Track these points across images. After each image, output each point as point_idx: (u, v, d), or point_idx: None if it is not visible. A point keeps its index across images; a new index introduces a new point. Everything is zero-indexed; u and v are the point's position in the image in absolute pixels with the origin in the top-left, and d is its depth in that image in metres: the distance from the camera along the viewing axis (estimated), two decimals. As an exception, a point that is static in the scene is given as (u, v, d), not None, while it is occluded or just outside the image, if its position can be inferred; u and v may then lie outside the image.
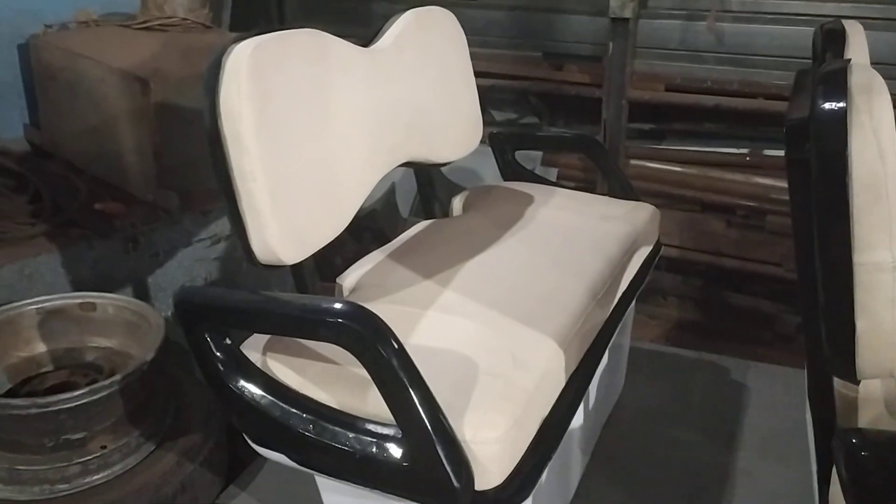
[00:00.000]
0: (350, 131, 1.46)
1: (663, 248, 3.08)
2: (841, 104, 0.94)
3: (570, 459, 1.66)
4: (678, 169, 3.11)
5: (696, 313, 3.14)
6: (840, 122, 0.93)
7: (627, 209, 1.94)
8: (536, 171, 2.92)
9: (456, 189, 2.43)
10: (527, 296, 1.49)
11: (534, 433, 1.26)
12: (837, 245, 0.95)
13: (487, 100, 3.42)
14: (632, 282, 1.79)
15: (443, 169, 2.04)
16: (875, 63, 2.72)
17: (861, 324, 0.96)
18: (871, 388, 1.12)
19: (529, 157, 3.10)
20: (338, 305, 1.13)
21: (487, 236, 1.74)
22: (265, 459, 1.55)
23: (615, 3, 2.79)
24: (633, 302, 1.95)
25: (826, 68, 1.01)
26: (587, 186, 3.10)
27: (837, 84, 0.96)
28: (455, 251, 1.66)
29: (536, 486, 1.24)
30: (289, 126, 1.29)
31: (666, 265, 3.16)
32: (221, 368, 1.22)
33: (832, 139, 0.94)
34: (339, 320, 1.11)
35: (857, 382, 1.04)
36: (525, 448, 1.23)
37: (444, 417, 1.12)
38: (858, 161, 0.93)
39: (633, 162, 3.13)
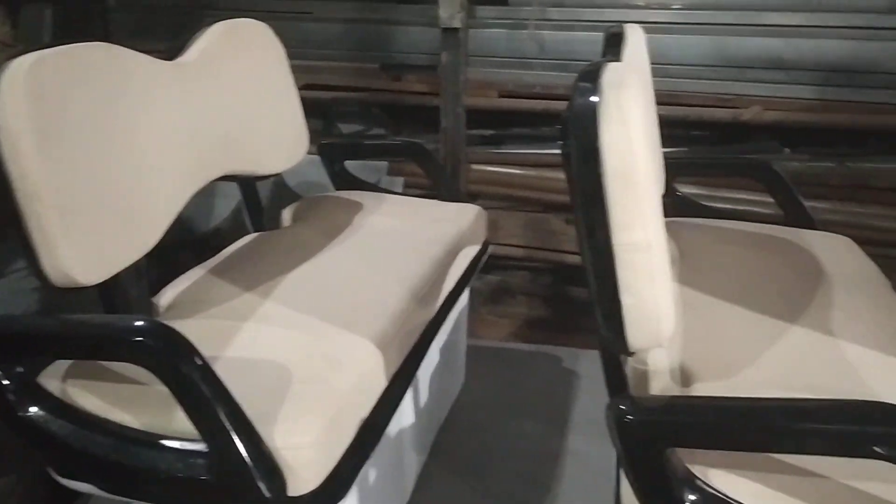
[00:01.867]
0: (153, 147, 1.43)
1: (512, 249, 3.19)
2: (593, 99, 1.02)
3: (404, 458, 1.69)
4: (518, 172, 3.23)
5: (543, 310, 3.26)
6: (592, 114, 1.01)
7: (454, 211, 2.00)
8: (382, 182, 2.96)
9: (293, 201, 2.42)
10: (348, 302, 1.51)
11: (352, 435, 1.27)
12: (600, 229, 1.03)
13: (333, 113, 3.43)
14: (458, 280, 1.84)
15: (283, 181, 2.04)
16: (683, 64, 2.94)
17: (627, 300, 1.04)
18: (658, 360, 1.21)
19: (377, 168, 3.13)
20: (133, 323, 1.10)
21: (313, 246, 1.75)
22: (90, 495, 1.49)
23: (444, 14, 2.87)
24: (466, 300, 2.01)
25: (585, 68, 1.09)
26: (434, 193, 3.17)
27: (591, 81, 1.04)
28: (278, 263, 1.66)
29: (362, 487, 1.26)
30: (77, 144, 1.25)
31: (514, 265, 3.27)
32: (12, 399, 1.16)
33: (586, 130, 1.01)
34: (135, 338, 1.09)
35: (631, 354, 1.12)
36: (343, 450, 1.24)
37: (252, 428, 1.12)
38: (610, 151, 1.00)
39: (475, 167, 3.22)
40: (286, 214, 1.99)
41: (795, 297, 1.49)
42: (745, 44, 2.90)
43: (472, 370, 2.19)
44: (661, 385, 1.21)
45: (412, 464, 1.77)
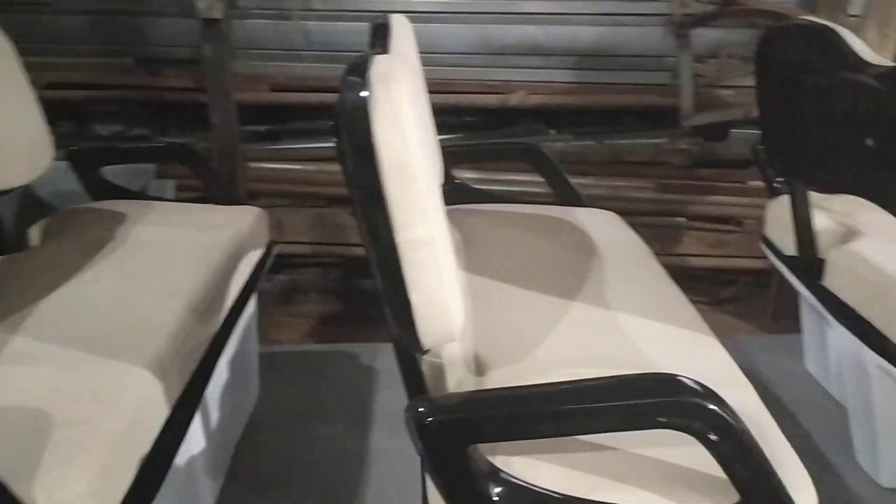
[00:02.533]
0: None
1: (300, 246, 3.08)
2: (363, 94, 0.98)
3: (197, 487, 1.56)
4: (298, 167, 3.14)
5: (336, 305, 3.21)
6: (363, 110, 0.97)
7: (230, 215, 1.88)
8: (150, 187, 2.73)
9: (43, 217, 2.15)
10: (115, 326, 1.36)
11: (132, 476, 1.14)
12: (382, 228, 0.99)
13: (86, 114, 3.12)
14: (243, 288, 1.74)
15: (29, 195, 1.79)
16: (450, 53, 3.00)
17: (415, 297, 1.01)
18: (452, 352, 1.20)
19: (142, 172, 2.88)
20: None
21: (69, 266, 1.55)
22: None
23: (202, 4, 2.69)
24: (254, 306, 1.91)
25: (351, 62, 1.05)
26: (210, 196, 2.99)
27: (359, 75, 1.00)
28: (27, 289, 1.45)
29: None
30: None
31: (303, 263, 3.18)
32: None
33: (359, 127, 0.97)
34: None
35: (426, 352, 1.10)
36: (123, 495, 1.11)
37: (4, 489, 0.96)
38: (385, 146, 0.97)
39: (252, 165, 3.07)
40: (34, 232, 1.76)
41: (573, 274, 1.56)
42: (505, 31, 3.02)
43: (267, 379, 2.09)
44: (456, 377, 1.20)
45: (208, 491, 1.64)
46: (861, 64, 1.39)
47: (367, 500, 1.72)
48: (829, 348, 1.85)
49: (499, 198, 2.15)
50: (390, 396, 2.05)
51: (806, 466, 1.02)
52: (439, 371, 1.20)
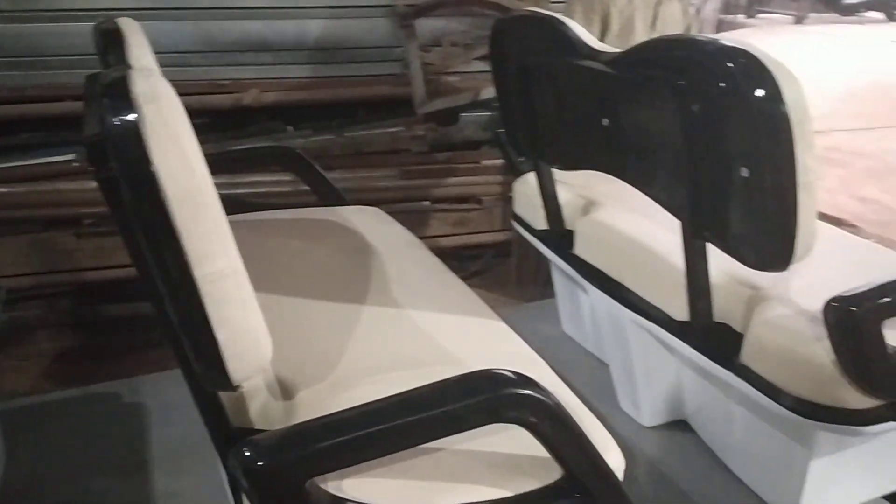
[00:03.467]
0: None
1: (18, 279, 2.71)
2: (132, 117, 0.86)
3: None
4: (4, 190, 2.74)
5: (74, 339, 2.87)
6: (136, 136, 0.86)
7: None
8: None
9: None
10: None
11: None
12: (174, 263, 0.89)
13: None
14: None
15: None
16: (172, 52, 2.80)
17: (222, 335, 0.93)
18: (254, 381, 1.13)
19: None
20: None
21: None
22: None
23: None
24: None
25: (106, 79, 0.92)
26: None
27: (122, 96, 0.88)
28: None
29: None
30: None
31: (24, 297, 2.80)
32: None
33: (133, 156, 0.86)
34: None
35: (236, 389, 1.02)
36: None
37: None
38: (167, 174, 0.87)
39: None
40: None
41: (355, 277, 1.54)
42: (227, 28, 2.88)
43: (11, 440, 1.80)
44: (260, 405, 1.13)
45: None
46: (591, 51, 1.53)
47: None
48: (584, 310, 2.04)
49: (252, 205, 2.05)
50: (166, 433, 1.88)
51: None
52: (241, 402, 1.12)
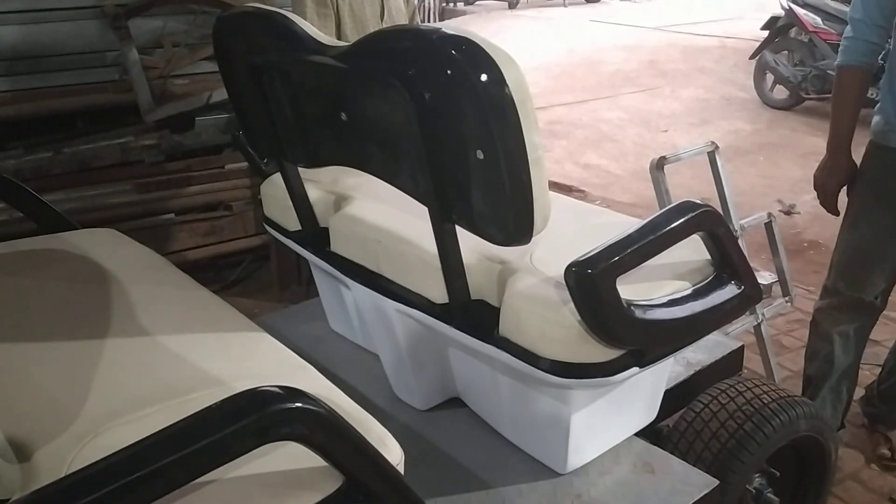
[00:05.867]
0: None
1: None
2: None
3: None
4: None
5: None
6: None
7: None
8: None
9: None
10: None
11: None
12: None
13: None
14: None
15: None
16: None
17: None
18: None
19: None
20: None
21: None
22: None
23: None
24: None
25: None
26: None
27: None
28: None
29: None
30: None
31: None
32: None
33: None
34: None
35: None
36: None
37: None
38: None
39: None
40: None
41: (91, 310, 1.39)
42: None
43: None
44: None
45: None
46: (319, 46, 1.50)
47: None
48: (349, 305, 2.02)
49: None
50: None
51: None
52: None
